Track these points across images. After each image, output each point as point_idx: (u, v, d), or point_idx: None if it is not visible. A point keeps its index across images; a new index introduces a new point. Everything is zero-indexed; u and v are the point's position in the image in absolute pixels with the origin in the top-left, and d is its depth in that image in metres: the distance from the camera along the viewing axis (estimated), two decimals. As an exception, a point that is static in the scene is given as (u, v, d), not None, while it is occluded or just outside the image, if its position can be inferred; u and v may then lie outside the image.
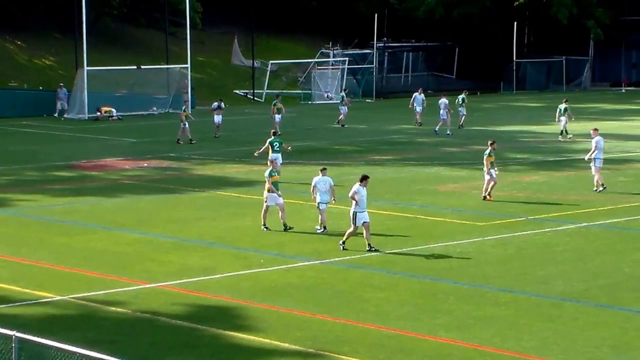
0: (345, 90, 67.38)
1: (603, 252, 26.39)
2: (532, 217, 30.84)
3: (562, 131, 52.73)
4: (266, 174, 29.31)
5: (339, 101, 63.35)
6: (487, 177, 33.72)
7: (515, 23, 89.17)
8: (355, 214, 26.11)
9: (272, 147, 37.79)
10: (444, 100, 55.83)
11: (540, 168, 42.45)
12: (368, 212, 26.43)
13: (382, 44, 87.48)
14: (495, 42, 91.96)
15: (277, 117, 54.39)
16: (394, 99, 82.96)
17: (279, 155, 37.81)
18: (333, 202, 29.14)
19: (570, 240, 27.98)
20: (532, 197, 34.16)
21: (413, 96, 60.84)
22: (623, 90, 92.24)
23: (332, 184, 29.15)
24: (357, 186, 26.25)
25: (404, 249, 26.62)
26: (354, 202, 26.16)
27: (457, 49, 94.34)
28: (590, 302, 21.64)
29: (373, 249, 26.15)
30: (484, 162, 33.79)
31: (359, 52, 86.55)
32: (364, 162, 44.27)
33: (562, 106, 53.24)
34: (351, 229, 26.30)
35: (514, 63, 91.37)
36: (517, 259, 25.54)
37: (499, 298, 21.98)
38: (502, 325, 19.94)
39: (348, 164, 43.45)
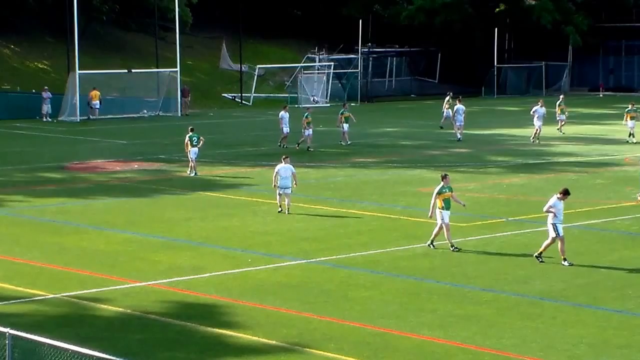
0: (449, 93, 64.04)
1: (581, 253, 26.54)
2: (512, 218, 31.07)
3: (630, 133, 53.35)
4: (436, 190, 26.94)
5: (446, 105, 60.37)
6: None
7: (496, 29, 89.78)
8: (555, 225, 25.36)
9: (191, 142, 40.58)
10: (461, 106, 54.95)
11: (520, 170, 42.61)
12: (356, 212, 26.57)
13: (366, 49, 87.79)
14: (476, 48, 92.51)
15: (346, 125, 52.23)
16: (378, 102, 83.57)
17: (197, 149, 40.63)
18: (294, 186, 31.51)
19: (549, 241, 28.46)
20: (512, 199, 34.25)
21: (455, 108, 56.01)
22: (600, 95, 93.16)
23: (294, 171, 31.52)
24: (554, 199, 25.46)
25: (388, 249, 26.88)
26: (550, 214, 25.39)
27: (439, 55, 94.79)
28: (569, 302, 21.86)
29: (569, 263, 25.27)
30: None
31: (344, 57, 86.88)
32: (348, 165, 44.55)
33: (630, 109, 53.94)
34: (549, 241, 25.54)
35: (495, 68, 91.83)
36: (497, 259, 25.77)
37: (480, 297, 22.22)
38: (483, 323, 20.16)
39: (332, 165, 43.81)
